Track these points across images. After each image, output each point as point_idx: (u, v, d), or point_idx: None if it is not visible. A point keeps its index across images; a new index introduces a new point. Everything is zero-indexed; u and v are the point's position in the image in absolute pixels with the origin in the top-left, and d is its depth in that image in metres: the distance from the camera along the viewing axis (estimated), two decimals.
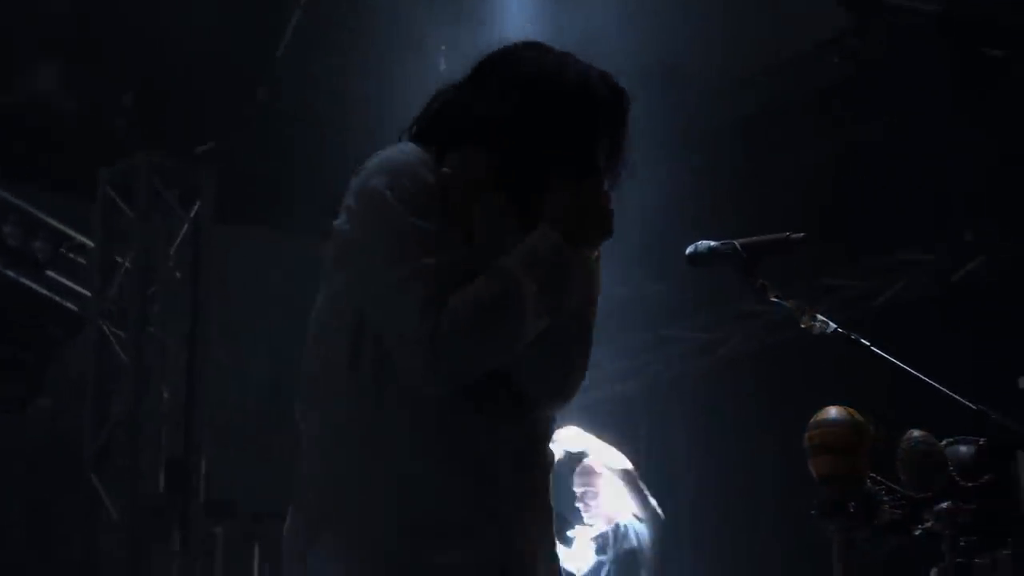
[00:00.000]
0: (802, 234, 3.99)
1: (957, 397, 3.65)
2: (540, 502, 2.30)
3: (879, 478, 3.65)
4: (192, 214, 6.07)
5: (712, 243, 3.90)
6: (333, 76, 6.56)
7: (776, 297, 3.90)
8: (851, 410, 3.72)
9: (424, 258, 2.02)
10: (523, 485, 2.22)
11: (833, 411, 3.76)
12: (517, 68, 2.38)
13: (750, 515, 6.93)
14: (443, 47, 6.96)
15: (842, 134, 8.79)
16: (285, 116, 6.57)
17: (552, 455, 2.37)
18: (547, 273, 2.10)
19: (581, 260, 2.22)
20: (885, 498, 3.57)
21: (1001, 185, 8.20)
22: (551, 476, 2.36)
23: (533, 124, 2.29)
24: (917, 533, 3.56)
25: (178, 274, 6.11)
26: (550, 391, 2.27)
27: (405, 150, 2.29)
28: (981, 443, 3.61)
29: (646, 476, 4.84)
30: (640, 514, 4.87)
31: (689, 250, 3.96)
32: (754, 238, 3.95)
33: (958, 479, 3.60)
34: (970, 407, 3.62)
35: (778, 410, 7.39)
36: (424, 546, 2.00)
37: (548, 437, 2.34)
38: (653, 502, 4.77)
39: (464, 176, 2.19)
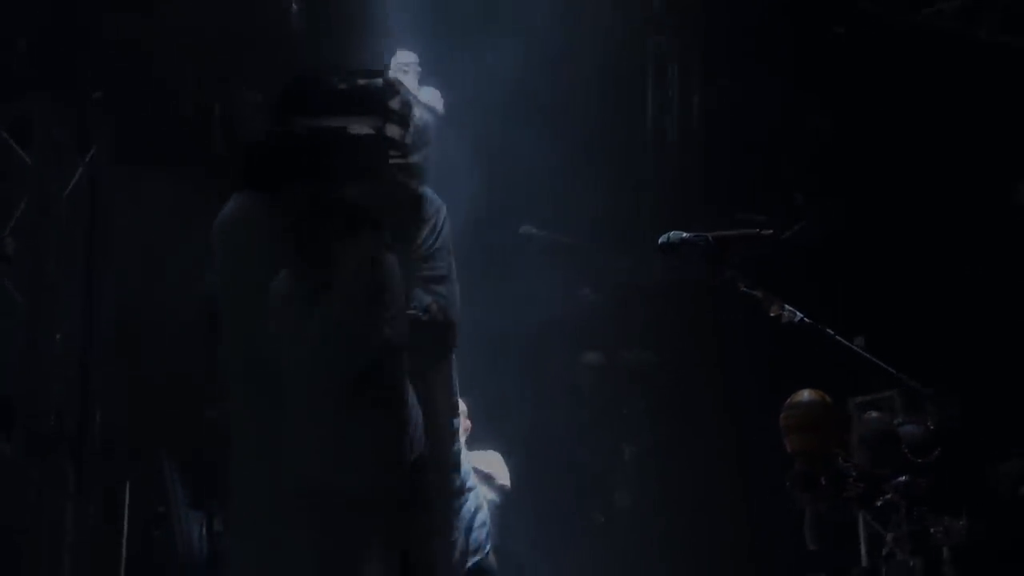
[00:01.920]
0: (771, 230, 4.29)
1: (907, 380, 4.07)
2: None
3: (846, 455, 4.06)
4: (88, 158, 5.88)
5: (684, 234, 4.11)
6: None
7: (745, 287, 4.16)
8: (821, 393, 4.11)
9: None
10: None
11: (806, 394, 4.14)
12: None
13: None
14: None
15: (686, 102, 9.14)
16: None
17: None
18: None
19: None
20: (853, 473, 3.97)
21: (833, 152, 8.89)
22: None
23: None
24: (879, 504, 3.98)
25: (73, 217, 5.87)
26: None
27: None
28: (930, 424, 4.07)
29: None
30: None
31: (662, 240, 4.15)
32: (725, 232, 4.20)
33: (910, 456, 4.05)
34: (919, 389, 4.05)
35: None
36: None
37: None
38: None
39: None
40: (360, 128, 2.64)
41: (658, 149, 9.12)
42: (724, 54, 9.14)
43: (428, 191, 3.05)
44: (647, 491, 5.16)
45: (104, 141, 5.92)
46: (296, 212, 2.62)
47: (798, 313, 4.01)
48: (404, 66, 6.10)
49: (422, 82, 5.63)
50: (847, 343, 4.07)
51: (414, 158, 2.87)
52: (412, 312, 2.75)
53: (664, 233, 4.16)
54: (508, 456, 3.99)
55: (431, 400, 2.92)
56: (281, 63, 6.47)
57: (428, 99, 5.94)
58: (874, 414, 4.19)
